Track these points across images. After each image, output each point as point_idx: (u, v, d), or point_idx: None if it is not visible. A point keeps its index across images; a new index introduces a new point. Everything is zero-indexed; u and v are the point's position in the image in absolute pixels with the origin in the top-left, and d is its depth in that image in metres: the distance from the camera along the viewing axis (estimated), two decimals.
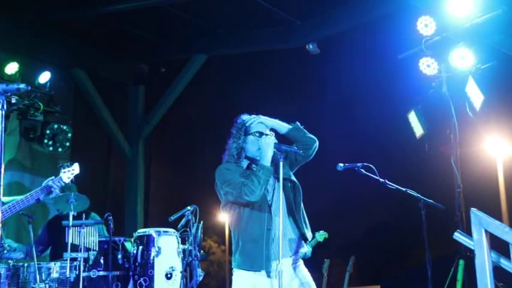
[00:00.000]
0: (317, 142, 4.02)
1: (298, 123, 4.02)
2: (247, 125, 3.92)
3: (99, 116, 10.32)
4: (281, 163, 3.73)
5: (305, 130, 4.01)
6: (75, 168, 5.02)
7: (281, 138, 3.99)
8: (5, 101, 2.85)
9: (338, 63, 8.93)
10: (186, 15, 8.99)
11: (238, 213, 3.81)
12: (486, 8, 6.35)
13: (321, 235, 6.97)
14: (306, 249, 3.91)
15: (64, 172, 4.94)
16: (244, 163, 3.92)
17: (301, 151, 3.84)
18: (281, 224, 3.67)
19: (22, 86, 2.86)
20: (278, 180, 3.78)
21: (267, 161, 3.76)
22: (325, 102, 9.70)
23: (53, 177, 4.90)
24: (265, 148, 3.79)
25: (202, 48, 10.00)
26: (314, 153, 4.02)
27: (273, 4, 8.51)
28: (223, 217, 20.67)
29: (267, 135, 3.92)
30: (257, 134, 3.90)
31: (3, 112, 2.85)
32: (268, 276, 3.72)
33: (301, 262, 3.90)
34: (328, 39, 8.81)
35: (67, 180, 4.94)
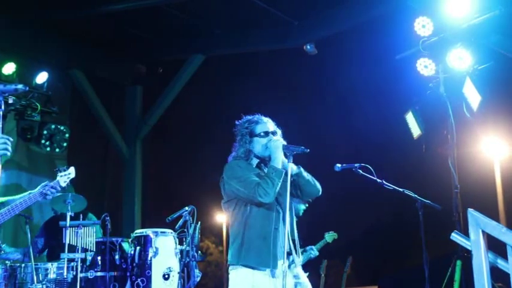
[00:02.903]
0: (320, 192, 4.03)
1: (301, 168, 3.94)
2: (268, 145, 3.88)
3: (96, 116, 10.31)
4: (290, 164, 3.74)
5: (307, 177, 3.95)
6: (71, 172, 5.04)
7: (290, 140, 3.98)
8: (2, 102, 2.85)
9: (335, 64, 8.93)
10: (183, 16, 8.98)
11: (245, 209, 3.81)
12: (483, 8, 6.36)
13: (330, 236, 6.98)
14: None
15: (61, 176, 4.96)
16: (254, 162, 3.94)
17: (308, 150, 3.83)
18: (288, 223, 3.68)
19: (20, 86, 2.85)
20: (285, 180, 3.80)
21: (277, 163, 3.78)
22: (323, 103, 9.70)
23: (48, 182, 4.89)
24: (275, 151, 3.80)
25: (200, 49, 10.00)
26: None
27: (271, 5, 8.51)
28: (221, 218, 20.65)
29: (273, 133, 3.93)
30: (262, 134, 3.91)
31: (1, 112, 2.85)
32: (270, 275, 3.72)
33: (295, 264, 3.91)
34: (325, 39, 8.81)
35: (63, 184, 4.96)
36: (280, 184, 3.74)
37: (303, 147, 3.80)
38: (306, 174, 3.95)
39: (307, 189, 3.95)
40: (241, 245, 3.78)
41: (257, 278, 3.71)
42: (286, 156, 3.81)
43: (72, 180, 5.10)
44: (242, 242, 3.78)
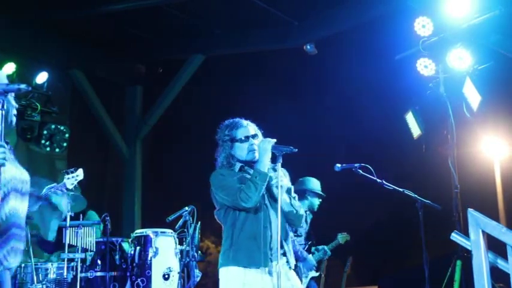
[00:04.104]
0: (298, 226, 4.04)
1: (293, 200, 3.90)
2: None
3: (96, 116, 10.31)
4: (279, 164, 3.74)
5: (295, 206, 3.91)
6: (80, 174, 5.00)
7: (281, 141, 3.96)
8: (4, 101, 2.84)
9: (335, 64, 8.92)
10: (183, 16, 8.98)
11: (234, 213, 3.81)
12: (483, 8, 6.36)
13: (343, 237, 6.98)
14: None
15: (68, 178, 4.92)
16: (237, 166, 3.93)
17: (296, 149, 3.81)
18: (279, 222, 3.68)
19: (23, 86, 2.84)
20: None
21: (263, 166, 3.76)
22: (323, 103, 9.69)
23: (56, 184, 4.87)
24: (263, 153, 3.78)
25: (200, 49, 10.00)
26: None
27: (271, 5, 8.51)
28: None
29: (254, 136, 3.90)
30: (244, 139, 3.89)
31: (3, 112, 2.84)
32: (262, 273, 3.70)
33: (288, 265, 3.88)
34: (325, 39, 8.81)
35: (70, 187, 4.93)
36: (264, 187, 3.73)
37: (291, 147, 3.78)
38: (298, 205, 3.91)
39: (292, 217, 3.89)
40: (231, 247, 3.78)
41: (249, 276, 3.69)
42: (275, 156, 3.80)
43: (78, 186, 5.08)
44: (231, 243, 3.78)
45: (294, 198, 3.93)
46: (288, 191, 3.88)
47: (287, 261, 3.82)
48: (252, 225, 3.76)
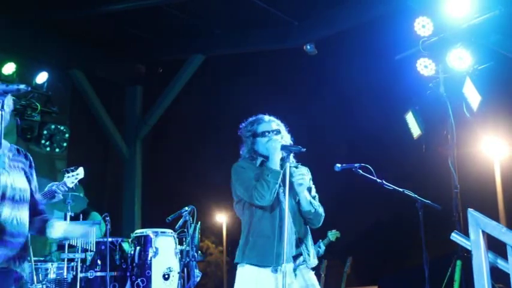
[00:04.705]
0: (317, 226, 4.04)
1: (312, 201, 3.92)
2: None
3: (96, 116, 10.31)
4: (287, 164, 3.75)
5: (315, 205, 3.94)
6: (80, 173, 5.00)
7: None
8: (4, 102, 2.84)
9: (335, 64, 8.93)
10: (183, 16, 9.00)
11: (251, 210, 3.86)
12: (483, 8, 6.36)
13: (333, 234, 7.00)
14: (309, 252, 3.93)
15: (68, 177, 4.92)
16: (258, 161, 3.98)
17: (304, 149, 3.84)
18: (286, 223, 3.68)
19: (22, 86, 2.84)
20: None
21: (274, 164, 3.81)
22: (323, 103, 9.70)
23: (57, 183, 4.87)
24: (273, 152, 3.84)
25: (200, 49, 10.01)
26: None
27: (271, 5, 8.52)
28: (221, 218, 20.68)
29: (275, 132, 3.94)
30: (266, 134, 3.94)
31: (3, 112, 2.84)
32: (274, 272, 3.72)
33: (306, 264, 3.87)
34: (325, 40, 8.82)
35: (71, 185, 4.92)
36: (277, 185, 3.76)
37: (299, 146, 3.82)
38: (317, 204, 3.93)
39: (311, 216, 3.93)
40: (246, 244, 3.83)
41: (262, 275, 3.73)
42: (283, 156, 3.82)
43: (80, 181, 5.08)
44: (246, 241, 3.84)
45: (314, 198, 3.97)
46: (309, 190, 3.93)
47: (304, 261, 3.82)
48: (267, 224, 3.80)
